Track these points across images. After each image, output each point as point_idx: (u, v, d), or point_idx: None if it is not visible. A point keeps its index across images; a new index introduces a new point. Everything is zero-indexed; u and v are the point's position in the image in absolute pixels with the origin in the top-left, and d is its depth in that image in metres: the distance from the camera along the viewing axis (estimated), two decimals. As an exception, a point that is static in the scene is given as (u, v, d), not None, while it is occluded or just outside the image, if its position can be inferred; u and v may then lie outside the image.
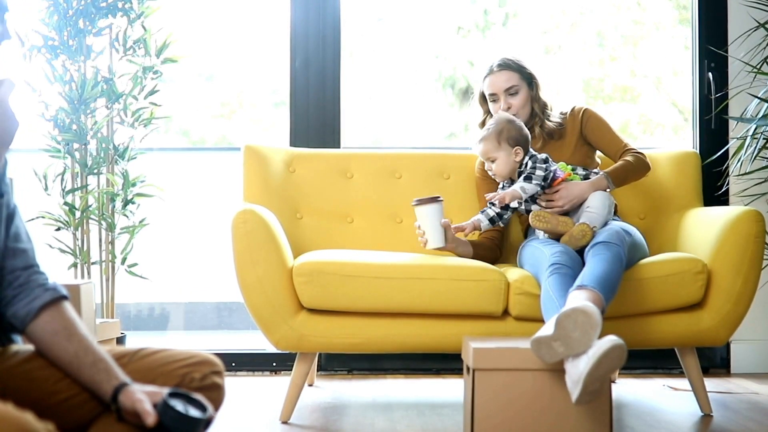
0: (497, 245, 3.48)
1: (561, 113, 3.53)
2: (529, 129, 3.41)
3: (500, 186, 3.36)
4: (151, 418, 1.59)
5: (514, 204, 3.29)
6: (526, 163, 3.24)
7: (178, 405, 1.61)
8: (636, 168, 3.39)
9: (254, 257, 3.08)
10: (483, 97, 3.55)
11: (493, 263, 3.34)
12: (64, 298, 1.76)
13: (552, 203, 3.25)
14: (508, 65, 3.47)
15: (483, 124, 3.56)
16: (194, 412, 1.62)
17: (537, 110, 3.49)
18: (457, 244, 3.31)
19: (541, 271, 3.02)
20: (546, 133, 3.48)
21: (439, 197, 3.23)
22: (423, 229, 3.24)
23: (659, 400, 3.53)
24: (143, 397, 1.62)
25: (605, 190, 3.28)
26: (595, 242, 3.02)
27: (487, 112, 3.56)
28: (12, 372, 1.70)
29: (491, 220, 3.33)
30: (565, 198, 3.24)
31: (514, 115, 3.40)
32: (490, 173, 3.32)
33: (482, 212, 3.34)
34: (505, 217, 3.35)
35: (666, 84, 5.23)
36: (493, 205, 3.31)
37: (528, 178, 3.20)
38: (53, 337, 1.71)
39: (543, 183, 3.21)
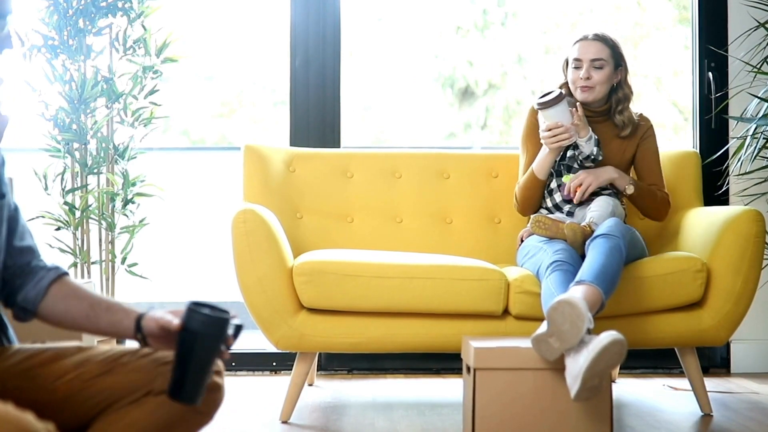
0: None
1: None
2: (599, 109, 3.40)
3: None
4: (175, 321, 1.67)
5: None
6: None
7: (204, 309, 1.66)
8: (657, 201, 3.34)
9: (254, 257, 3.08)
10: (564, 64, 3.45)
11: (536, 206, 3.39)
12: (66, 274, 1.86)
13: (578, 185, 3.26)
14: (603, 38, 3.37)
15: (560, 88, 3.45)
16: (218, 314, 1.66)
17: (619, 96, 3.39)
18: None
19: (542, 269, 3.02)
20: (610, 120, 3.41)
21: (562, 93, 3.24)
22: (561, 124, 3.19)
23: (659, 400, 3.53)
24: (165, 314, 1.72)
25: (624, 188, 3.27)
26: (595, 235, 3.03)
27: (564, 79, 3.45)
28: (12, 371, 1.71)
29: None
30: (588, 174, 3.26)
31: (590, 88, 3.33)
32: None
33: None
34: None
35: (666, 84, 5.23)
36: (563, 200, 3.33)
37: (597, 144, 3.29)
38: (66, 300, 1.81)
39: (595, 152, 3.28)
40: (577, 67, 3.36)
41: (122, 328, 1.75)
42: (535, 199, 3.38)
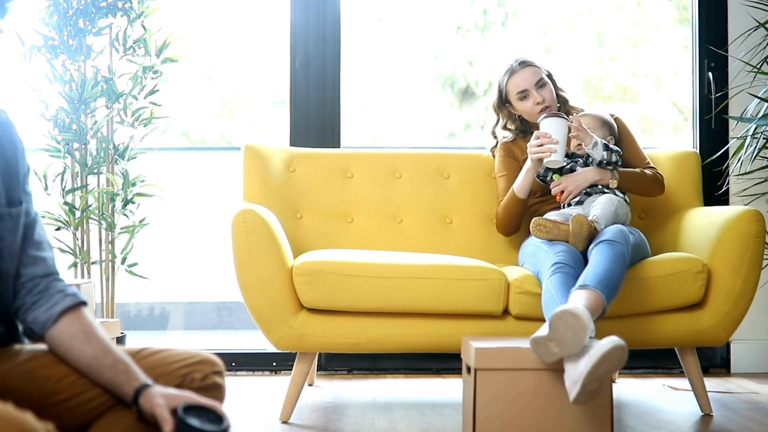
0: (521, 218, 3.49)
1: None
2: None
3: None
4: (168, 425, 1.59)
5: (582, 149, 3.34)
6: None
7: (194, 420, 1.60)
8: (648, 180, 3.38)
9: (254, 257, 3.08)
10: (501, 102, 3.52)
11: (516, 226, 3.45)
12: (83, 303, 1.77)
13: (560, 191, 3.30)
14: (529, 63, 3.48)
15: (505, 127, 3.56)
16: (210, 427, 1.60)
17: (560, 104, 3.52)
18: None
19: (543, 270, 3.02)
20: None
21: (565, 116, 3.28)
22: (556, 139, 3.21)
23: (659, 400, 3.53)
24: (162, 402, 1.63)
25: (609, 183, 3.28)
26: (599, 240, 3.02)
27: (507, 117, 3.53)
28: (13, 372, 1.70)
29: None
30: (568, 180, 3.30)
31: (547, 107, 3.42)
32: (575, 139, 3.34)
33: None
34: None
35: (666, 84, 5.23)
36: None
37: (607, 148, 3.30)
38: (72, 341, 1.72)
39: (607, 155, 3.29)
40: (524, 98, 3.47)
41: (121, 392, 1.67)
42: (516, 219, 3.46)
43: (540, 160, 3.26)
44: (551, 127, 3.24)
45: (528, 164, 3.32)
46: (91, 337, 1.72)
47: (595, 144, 3.27)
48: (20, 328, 1.80)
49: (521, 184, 3.37)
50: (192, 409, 1.63)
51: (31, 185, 1.82)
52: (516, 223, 3.47)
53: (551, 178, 3.34)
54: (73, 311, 1.75)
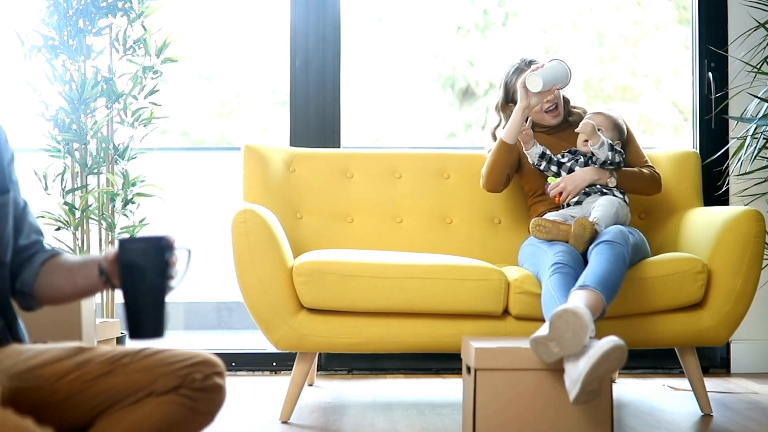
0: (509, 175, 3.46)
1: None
2: (564, 119, 3.50)
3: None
4: (111, 254, 1.70)
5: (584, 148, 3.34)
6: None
7: (136, 240, 1.66)
8: (645, 180, 3.38)
9: (254, 257, 3.08)
10: (506, 101, 3.49)
11: (502, 179, 3.39)
12: (60, 254, 1.88)
13: (558, 192, 3.29)
14: (535, 62, 3.45)
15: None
16: (150, 239, 1.65)
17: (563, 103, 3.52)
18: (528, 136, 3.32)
19: (543, 270, 3.03)
20: (570, 124, 3.49)
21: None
22: (546, 65, 3.24)
23: (659, 400, 3.53)
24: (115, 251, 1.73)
25: (607, 183, 3.29)
26: (599, 241, 3.02)
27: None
28: (13, 371, 1.70)
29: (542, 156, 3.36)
30: (567, 180, 3.29)
31: (556, 109, 3.43)
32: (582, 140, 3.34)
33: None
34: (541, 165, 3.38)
35: (666, 84, 5.24)
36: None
37: (612, 149, 3.30)
38: (51, 273, 1.83)
39: (611, 155, 3.30)
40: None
41: (93, 276, 1.76)
42: (501, 168, 3.37)
43: (524, 88, 3.24)
44: (549, 68, 3.25)
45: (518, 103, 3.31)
46: (64, 262, 1.83)
47: (602, 144, 3.27)
48: (18, 317, 1.83)
49: (509, 127, 3.31)
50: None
51: (17, 173, 1.85)
52: (500, 175, 3.39)
53: (546, 169, 3.34)
54: (50, 259, 1.85)
